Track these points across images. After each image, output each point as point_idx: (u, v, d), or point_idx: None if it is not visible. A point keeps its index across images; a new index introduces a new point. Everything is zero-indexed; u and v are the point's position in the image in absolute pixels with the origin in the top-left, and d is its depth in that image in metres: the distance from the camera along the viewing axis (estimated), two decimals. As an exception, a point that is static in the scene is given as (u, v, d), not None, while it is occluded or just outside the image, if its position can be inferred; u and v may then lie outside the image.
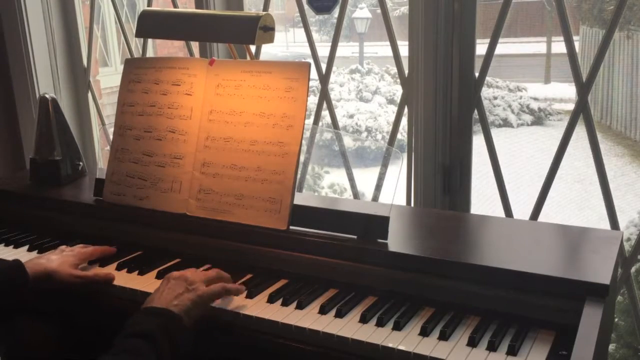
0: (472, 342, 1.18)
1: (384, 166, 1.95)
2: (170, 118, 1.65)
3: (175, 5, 2.44)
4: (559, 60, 9.79)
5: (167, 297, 1.27)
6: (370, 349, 1.20)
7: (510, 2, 1.77)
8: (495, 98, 8.84)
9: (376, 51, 11.60)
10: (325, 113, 2.22)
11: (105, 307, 1.49)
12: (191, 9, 2.07)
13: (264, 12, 1.57)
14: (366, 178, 3.03)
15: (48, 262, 1.48)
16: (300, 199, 1.52)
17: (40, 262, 1.47)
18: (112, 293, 1.48)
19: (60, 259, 1.49)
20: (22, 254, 1.67)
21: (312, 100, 2.31)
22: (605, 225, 1.76)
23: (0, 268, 1.47)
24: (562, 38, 1.73)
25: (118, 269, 1.55)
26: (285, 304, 1.35)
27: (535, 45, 10.78)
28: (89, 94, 2.70)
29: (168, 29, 1.72)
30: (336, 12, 2.03)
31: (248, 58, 1.77)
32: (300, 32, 12.28)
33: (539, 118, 8.71)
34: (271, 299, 1.37)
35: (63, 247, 1.58)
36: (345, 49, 11.73)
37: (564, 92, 9.11)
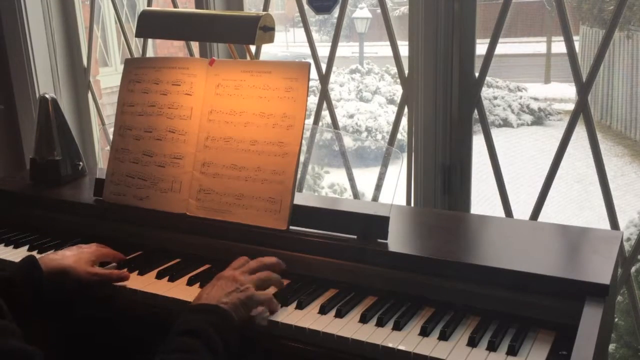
0: (472, 342, 1.18)
1: (384, 166, 1.95)
2: (170, 118, 1.65)
3: (175, 5, 2.44)
4: (559, 60, 9.79)
5: (217, 295, 1.26)
6: (370, 349, 1.19)
7: (510, 2, 1.77)
8: (495, 98, 8.84)
9: (376, 51, 11.60)
10: (325, 113, 2.22)
11: (104, 307, 1.49)
12: (191, 9, 2.07)
13: (264, 12, 1.57)
14: (366, 178, 3.03)
15: (63, 258, 1.46)
16: (300, 199, 1.52)
17: (55, 258, 1.46)
18: (112, 292, 1.48)
19: (76, 256, 1.47)
20: (22, 254, 1.67)
21: (312, 100, 2.31)
22: (605, 225, 1.76)
23: (15, 266, 1.45)
24: (562, 38, 1.73)
25: (118, 268, 1.55)
26: (285, 304, 1.34)
27: (535, 45, 10.78)
28: (89, 94, 2.70)
29: (168, 29, 1.72)
30: (336, 12, 2.03)
31: (248, 58, 1.77)
32: (300, 32, 12.28)
33: (539, 118, 8.71)
34: (271, 299, 1.37)
35: (80, 244, 1.56)
36: (345, 49, 11.74)
37: (564, 92, 9.11)
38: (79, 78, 2.70)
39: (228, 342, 1.18)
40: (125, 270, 1.51)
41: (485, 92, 8.60)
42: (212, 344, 1.15)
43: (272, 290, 1.37)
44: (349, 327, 1.25)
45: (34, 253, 1.67)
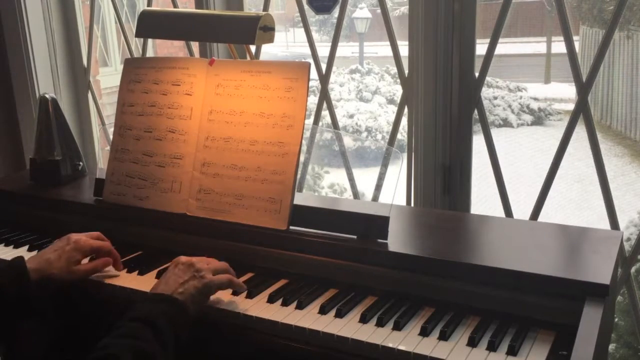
0: (472, 342, 1.18)
1: (384, 166, 1.95)
2: (170, 118, 1.65)
3: (175, 5, 2.44)
4: (559, 60, 9.79)
5: (173, 284, 1.29)
6: (370, 349, 1.19)
7: (510, 2, 1.77)
8: (495, 98, 8.84)
9: (376, 51, 11.59)
10: (325, 113, 2.22)
11: (105, 307, 1.49)
12: (191, 9, 2.07)
13: (264, 12, 1.57)
14: (366, 178, 3.03)
15: (48, 265, 1.43)
16: (300, 199, 1.52)
17: (41, 267, 1.42)
18: (111, 293, 1.48)
19: (61, 259, 1.45)
20: (22, 254, 1.66)
21: (312, 100, 2.31)
22: (605, 225, 1.76)
23: (3, 266, 1.44)
24: (562, 38, 1.73)
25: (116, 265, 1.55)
26: (285, 304, 1.35)
27: (535, 45, 10.78)
28: (89, 94, 2.70)
29: (168, 29, 1.72)
30: (336, 12, 2.03)
31: (248, 58, 1.77)
32: (300, 32, 12.27)
33: (539, 118, 8.71)
34: (271, 299, 1.37)
35: (71, 235, 1.51)
36: (345, 49, 11.73)
37: (564, 92, 9.11)
38: (79, 78, 2.70)
39: (179, 334, 1.20)
40: (108, 258, 1.50)
41: (485, 92, 8.60)
42: (163, 334, 1.16)
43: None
44: (349, 327, 1.25)
45: (34, 253, 1.67)
